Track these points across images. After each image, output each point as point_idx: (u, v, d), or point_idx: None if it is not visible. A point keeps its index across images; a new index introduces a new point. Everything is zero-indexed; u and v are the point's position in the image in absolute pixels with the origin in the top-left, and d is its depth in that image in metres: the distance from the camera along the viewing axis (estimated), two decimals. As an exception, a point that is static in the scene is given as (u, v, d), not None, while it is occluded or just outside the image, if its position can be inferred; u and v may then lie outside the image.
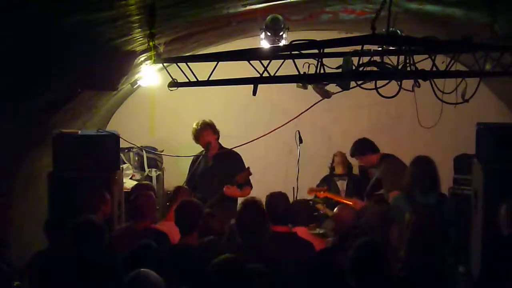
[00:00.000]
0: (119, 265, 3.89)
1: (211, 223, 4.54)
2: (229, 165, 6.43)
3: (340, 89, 3.98)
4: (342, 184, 7.09)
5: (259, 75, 4.12)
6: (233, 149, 6.50)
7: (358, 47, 3.59)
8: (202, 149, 6.52)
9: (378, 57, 4.04)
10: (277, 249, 4.34)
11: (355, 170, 7.38)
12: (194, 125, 6.45)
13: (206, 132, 6.40)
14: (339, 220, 4.68)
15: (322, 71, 3.78)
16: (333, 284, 3.80)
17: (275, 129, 6.39)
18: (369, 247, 3.47)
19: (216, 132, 6.46)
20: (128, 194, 5.70)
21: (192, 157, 6.66)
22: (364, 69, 3.83)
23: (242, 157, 6.58)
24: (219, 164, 6.43)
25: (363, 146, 6.52)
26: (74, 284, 3.90)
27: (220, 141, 6.60)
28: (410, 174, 5.44)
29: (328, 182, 7.18)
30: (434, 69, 4.09)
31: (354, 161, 7.31)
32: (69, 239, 4.13)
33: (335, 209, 4.87)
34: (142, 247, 3.85)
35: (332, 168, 7.23)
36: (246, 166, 6.33)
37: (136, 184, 6.24)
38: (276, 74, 4.27)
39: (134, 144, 7.10)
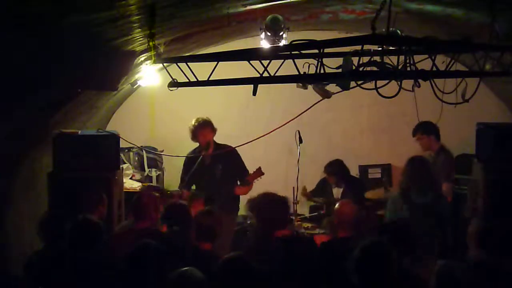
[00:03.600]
0: (119, 264, 3.89)
1: (210, 222, 4.54)
2: (229, 162, 6.45)
3: (340, 89, 3.98)
4: (338, 191, 7.07)
5: (259, 75, 4.12)
6: (229, 145, 6.53)
7: (358, 47, 3.58)
8: (195, 147, 6.52)
9: (378, 57, 4.03)
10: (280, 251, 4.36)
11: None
12: (193, 122, 6.44)
13: (206, 130, 6.41)
14: (340, 216, 4.71)
15: (322, 71, 3.77)
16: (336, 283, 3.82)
17: (275, 129, 6.39)
18: (374, 248, 3.47)
19: (214, 130, 6.48)
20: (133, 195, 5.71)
21: (187, 156, 6.64)
22: (364, 69, 3.82)
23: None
24: (219, 162, 6.44)
25: (429, 127, 6.51)
26: (73, 284, 3.91)
27: (220, 141, 6.61)
28: (407, 174, 5.45)
29: (324, 187, 7.17)
30: (434, 69, 4.08)
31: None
32: (67, 239, 4.13)
33: (337, 204, 4.88)
34: (142, 247, 3.85)
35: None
36: (258, 167, 6.40)
37: (146, 186, 6.27)
38: (276, 74, 4.27)
39: (134, 144, 7.10)
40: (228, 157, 6.47)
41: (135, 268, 3.71)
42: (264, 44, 4.76)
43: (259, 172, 6.38)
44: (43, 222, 4.50)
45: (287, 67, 4.25)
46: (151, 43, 4.42)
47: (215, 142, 6.54)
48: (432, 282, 3.52)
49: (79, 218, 4.20)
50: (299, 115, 5.83)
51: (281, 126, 6.29)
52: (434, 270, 3.53)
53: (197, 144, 6.52)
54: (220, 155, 6.44)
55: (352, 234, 4.54)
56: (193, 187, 6.57)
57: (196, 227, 4.51)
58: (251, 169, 6.53)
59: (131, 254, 3.82)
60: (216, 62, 4.35)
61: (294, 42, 3.85)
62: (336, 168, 6.97)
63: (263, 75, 4.13)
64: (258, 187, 6.38)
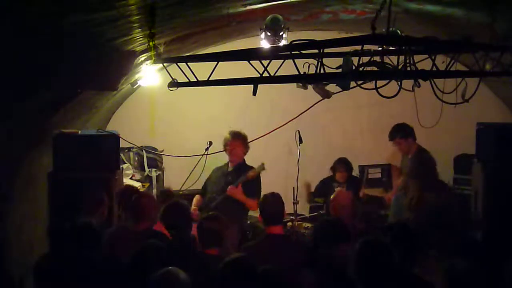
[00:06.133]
0: (121, 265, 3.89)
1: (216, 227, 4.53)
2: (249, 181, 6.33)
3: (340, 89, 3.98)
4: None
5: (259, 75, 4.12)
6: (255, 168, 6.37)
7: (358, 47, 3.58)
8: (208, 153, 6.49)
9: (378, 57, 4.04)
10: (272, 250, 4.36)
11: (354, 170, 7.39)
12: (228, 134, 6.39)
13: (236, 142, 6.35)
14: (336, 205, 4.76)
15: (322, 71, 3.77)
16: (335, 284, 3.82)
17: (275, 129, 6.39)
18: (373, 246, 3.47)
19: (246, 147, 6.40)
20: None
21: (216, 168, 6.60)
22: (364, 69, 3.82)
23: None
24: (239, 173, 6.36)
25: (406, 130, 6.51)
26: (76, 286, 3.91)
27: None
28: (413, 174, 5.46)
29: (326, 187, 7.17)
30: (434, 69, 4.09)
31: (354, 164, 7.31)
32: (68, 242, 4.13)
33: (333, 193, 4.92)
34: (146, 248, 3.85)
35: (334, 174, 7.22)
36: (261, 163, 6.28)
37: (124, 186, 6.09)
38: (276, 74, 4.27)
39: (134, 144, 7.10)
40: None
41: (139, 269, 3.70)
42: (264, 44, 4.76)
43: (261, 167, 6.30)
44: (49, 225, 4.51)
45: (287, 67, 4.25)
46: (151, 43, 4.42)
47: (244, 160, 6.46)
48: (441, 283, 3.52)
49: (76, 222, 4.19)
50: (299, 115, 5.84)
51: (281, 126, 6.28)
52: (441, 270, 3.53)
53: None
54: (243, 171, 6.30)
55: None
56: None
57: (203, 232, 4.49)
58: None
59: (135, 255, 3.81)
60: (216, 62, 4.35)
61: (294, 42, 3.85)
62: (348, 165, 7.01)
63: (263, 75, 4.13)
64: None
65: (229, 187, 6.14)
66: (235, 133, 6.39)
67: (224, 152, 6.50)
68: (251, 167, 6.33)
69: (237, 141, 6.36)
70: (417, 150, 6.48)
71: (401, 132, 6.50)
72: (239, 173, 6.31)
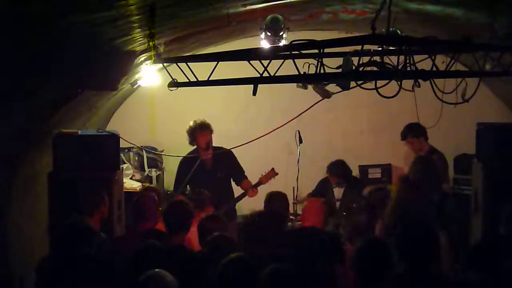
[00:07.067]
0: (122, 265, 3.89)
1: (215, 226, 4.53)
2: (230, 165, 6.44)
3: (340, 89, 3.98)
4: (339, 191, 7.06)
5: (259, 75, 4.12)
6: (224, 147, 6.51)
7: (358, 47, 3.58)
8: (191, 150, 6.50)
9: (378, 57, 4.04)
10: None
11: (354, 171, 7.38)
12: (192, 124, 6.42)
13: (205, 132, 6.39)
14: (307, 213, 4.79)
15: (322, 71, 3.77)
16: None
17: (275, 129, 6.39)
18: (373, 246, 3.47)
19: (212, 132, 6.46)
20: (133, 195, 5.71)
21: (185, 157, 6.60)
22: (364, 69, 3.82)
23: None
24: (221, 167, 6.42)
25: (418, 129, 6.57)
26: (77, 286, 3.90)
27: (220, 141, 6.60)
28: (413, 173, 5.45)
29: (324, 187, 7.16)
30: (434, 69, 4.09)
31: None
32: (66, 242, 4.14)
33: (305, 202, 4.95)
34: (145, 247, 3.85)
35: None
36: (271, 167, 6.39)
37: (145, 187, 6.23)
38: (276, 74, 4.27)
39: (134, 144, 7.10)
40: (227, 160, 6.46)
41: (138, 269, 3.70)
42: (264, 44, 4.76)
43: (272, 173, 6.35)
44: (49, 225, 4.51)
45: (287, 67, 4.25)
46: (151, 43, 4.42)
47: (213, 146, 6.52)
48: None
49: (67, 221, 4.20)
50: (299, 115, 5.84)
51: (281, 126, 6.29)
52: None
53: (191, 148, 6.51)
54: (219, 159, 6.42)
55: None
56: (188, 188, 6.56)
57: (201, 232, 4.49)
58: (252, 170, 6.53)
59: (134, 255, 3.82)
60: (216, 62, 4.35)
61: (294, 42, 3.85)
62: (338, 169, 6.97)
63: (263, 75, 4.14)
64: (258, 187, 6.40)
65: (249, 192, 6.34)
66: (201, 124, 6.40)
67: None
68: (222, 150, 6.44)
69: (206, 130, 6.40)
70: (428, 151, 6.51)
71: (413, 132, 6.57)
72: (224, 165, 6.43)
